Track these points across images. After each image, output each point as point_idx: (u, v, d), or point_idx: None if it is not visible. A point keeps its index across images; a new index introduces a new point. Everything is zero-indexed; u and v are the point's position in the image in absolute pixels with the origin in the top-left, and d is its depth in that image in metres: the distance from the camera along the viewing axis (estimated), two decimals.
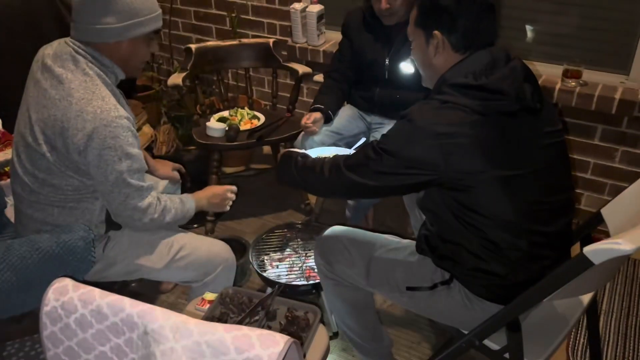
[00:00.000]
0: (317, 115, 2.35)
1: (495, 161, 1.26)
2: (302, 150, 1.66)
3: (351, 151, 2.01)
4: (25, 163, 1.52)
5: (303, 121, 2.35)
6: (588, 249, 1.11)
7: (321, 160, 1.48)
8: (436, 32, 1.35)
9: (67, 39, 1.52)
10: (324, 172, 1.44)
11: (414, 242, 1.57)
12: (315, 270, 2.05)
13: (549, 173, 1.36)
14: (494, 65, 1.32)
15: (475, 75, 1.28)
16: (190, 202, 1.73)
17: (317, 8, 2.91)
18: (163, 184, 2.01)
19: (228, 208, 1.88)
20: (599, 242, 1.11)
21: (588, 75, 2.43)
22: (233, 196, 1.86)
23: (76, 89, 1.43)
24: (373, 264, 1.55)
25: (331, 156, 1.51)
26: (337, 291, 1.67)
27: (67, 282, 1.01)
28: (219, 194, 1.83)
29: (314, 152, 2.07)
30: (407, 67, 2.13)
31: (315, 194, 1.92)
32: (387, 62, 2.26)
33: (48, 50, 1.51)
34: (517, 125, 1.29)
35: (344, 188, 1.43)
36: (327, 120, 2.39)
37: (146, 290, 2.29)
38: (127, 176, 1.48)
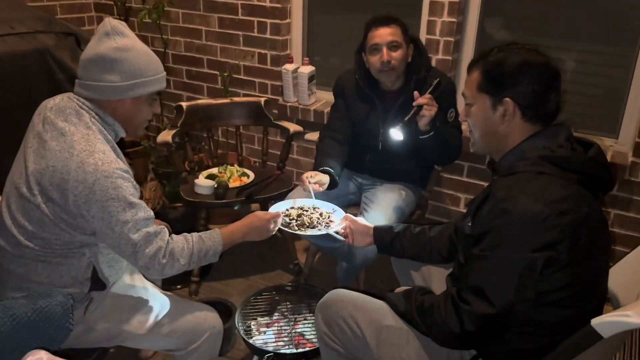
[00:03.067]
0: (325, 178, 2.15)
1: (587, 238, 1.20)
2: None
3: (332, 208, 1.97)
4: (16, 214, 1.48)
5: (305, 177, 2.11)
6: (596, 322, 1.07)
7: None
8: (507, 99, 1.29)
9: (71, 94, 1.52)
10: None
11: None
12: (305, 336, 1.97)
13: (605, 253, 1.34)
14: (571, 139, 1.29)
15: (565, 149, 1.25)
16: (215, 238, 1.61)
17: (308, 69, 2.95)
18: None
19: (272, 232, 1.75)
20: (607, 314, 1.07)
21: None
22: (278, 222, 1.75)
23: (78, 141, 1.42)
24: (384, 333, 1.45)
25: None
26: None
27: (42, 355, 0.94)
28: (257, 227, 1.71)
29: (300, 202, 2.02)
30: (396, 134, 2.05)
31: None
32: (381, 132, 2.25)
33: (50, 104, 1.51)
34: (598, 203, 1.27)
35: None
36: (333, 186, 2.20)
37: (124, 358, 2.16)
38: (132, 226, 1.44)
